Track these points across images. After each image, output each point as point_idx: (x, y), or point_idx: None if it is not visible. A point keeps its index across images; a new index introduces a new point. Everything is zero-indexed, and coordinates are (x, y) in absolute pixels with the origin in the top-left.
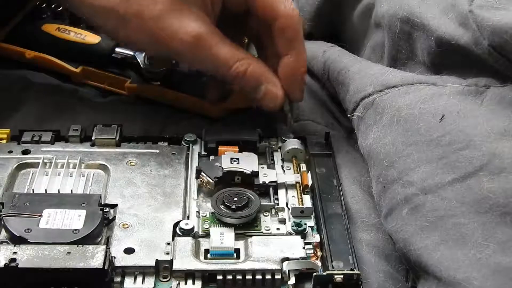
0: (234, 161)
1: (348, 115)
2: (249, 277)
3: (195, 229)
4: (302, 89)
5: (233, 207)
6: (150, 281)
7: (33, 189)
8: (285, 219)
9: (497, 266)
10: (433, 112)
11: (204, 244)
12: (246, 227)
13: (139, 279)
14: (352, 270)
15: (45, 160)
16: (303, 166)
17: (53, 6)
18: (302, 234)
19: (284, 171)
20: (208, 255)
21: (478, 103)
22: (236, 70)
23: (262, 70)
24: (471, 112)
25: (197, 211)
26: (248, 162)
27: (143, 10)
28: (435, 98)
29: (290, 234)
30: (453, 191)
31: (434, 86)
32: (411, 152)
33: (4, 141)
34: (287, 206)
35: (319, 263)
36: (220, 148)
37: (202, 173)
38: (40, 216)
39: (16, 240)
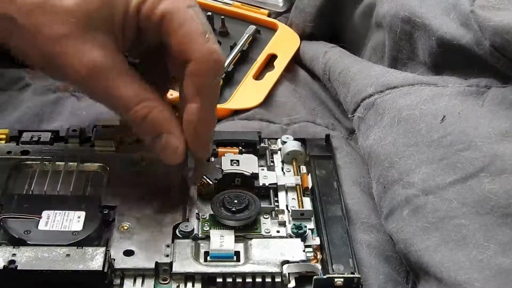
0: (234, 163)
1: (349, 116)
2: (249, 280)
3: (195, 231)
4: (204, 146)
5: (233, 209)
6: (149, 283)
7: (32, 190)
8: (285, 221)
9: (498, 267)
10: (434, 113)
11: (204, 246)
12: (246, 230)
13: (139, 281)
14: (352, 273)
15: (44, 161)
16: (303, 168)
17: None
18: (302, 236)
19: (284, 173)
20: (208, 258)
21: (479, 103)
22: (135, 114)
23: (165, 117)
24: (472, 113)
25: (197, 213)
26: (248, 164)
27: (42, 28)
28: (436, 99)
29: (290, 236)
30: (454, 192)
31: (435, 87)
32: (412, 153)
33: (3, 142)
34: (287, 208)
35: (319, 266)
36: (220, 149)
37: None
38: (39, 217)
39: (15, 241)
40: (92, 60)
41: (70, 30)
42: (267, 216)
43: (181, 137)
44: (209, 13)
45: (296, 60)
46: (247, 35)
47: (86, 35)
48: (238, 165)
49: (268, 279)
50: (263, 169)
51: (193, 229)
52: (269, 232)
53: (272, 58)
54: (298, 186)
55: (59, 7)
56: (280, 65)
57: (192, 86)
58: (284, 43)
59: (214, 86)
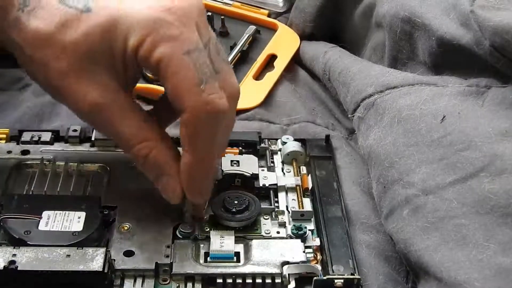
0: (234, 163)
1: (349, 116)
2: (249, 280)
3: (195, 232)
4: (199, 191)
5: (233, 210)
6: (149, 284)
7: (32, 190)
8: (285, 222)
9: (498, 267)
10: (434, 113)
11: (204, 247)
12: (246, 230)
13: (139, 282)
14: (352, 274)
15: (45, 161)
16: (303, 169)
17: None
18: (302, 237)
19: (284, 173)
20: (208, 259)
21: (479, 103)
22: (136, 152)
23: (165, 158)
24: (472, 112)
25: None
26: (248, 165)
27: (48, 61)
28: (436, 99)
29: (290, 237)
30: (454, 192)
31: (435, 87)
32: (412, 152)
33: (3, 141)
34: (287, 209)
35: (319, 267)
36: None
37: None
38: (40, 218)
39: (16, 242)
40: (93, 98)
41: (74, 65)
42: (267, 217)
43: (177, 182)
44: (209, 13)
45: (296, 60)
46: (247, 35)
47: (88, 70)
48: (238, 165)
49: (268, 280)
50: (263, 170)
51: (193, 230)
52: (269, 233)
53: (272, 58)
54: (298, 187)
55: (64, 42)
56: (280, 65)
57: (185, 136)
58: (284, 43)
59: (210, 136)
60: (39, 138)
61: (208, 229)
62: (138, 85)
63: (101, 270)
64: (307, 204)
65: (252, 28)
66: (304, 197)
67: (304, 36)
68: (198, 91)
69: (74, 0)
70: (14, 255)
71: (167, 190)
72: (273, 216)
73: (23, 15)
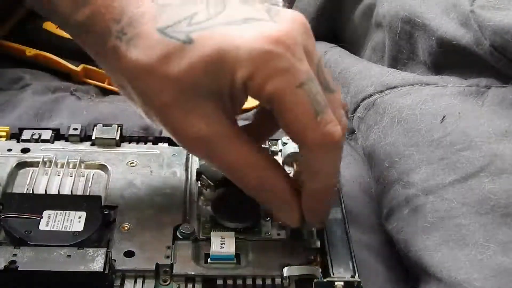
0: None
1: (349, 116)
2: (249, 282)
3: (196, 233)
4: (321, 218)
5: (234, 211)
6: (150, 284)
7: (32, 189)
8: None
9: (498, 267)
10: (434, 113)
11: (205, 248)
12: (247, 232)
13: (139, 282)
14: (352, 277)
15: (45, 159)
16: None
17: None
18: (303, 239)
19: None
20: (208, 260)
21: (479, 103)
22: (247, 184)
23: (278, 187)
24: (472, 112)
25: (197, 215)
26: None
27: (149, 93)
28: (436, 99)
29: (291, 239)
30: (454, 192)
31: (435, 87)
32: (412, 152)
33: (4, 139)
34: None
35: (319, 269)
36: None
37: (202, 175)
38: (40, 217)
39: (16, 241)
40: (198, 131)
41: (178, 98)
42: (268, 219)
43: (295, 207)
44: None
45: None
46: None
47: (193, 103)
48: None
49: (268, 282)
50: None
51: (194, 230)
52: (269, 235)
53: None
54: None
55: (167, 74)
56: None
57: (307, 169)
58: None
59: (332, 165)
60: (40, 136)
61: (208, 230)
62: None
63: (102, 270)
64: None
65: None
66: None
67: None
68: (316, 124)
69: (175, 31)
70: (15, 255)
71: (288, 218)
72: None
73: (121, 44)
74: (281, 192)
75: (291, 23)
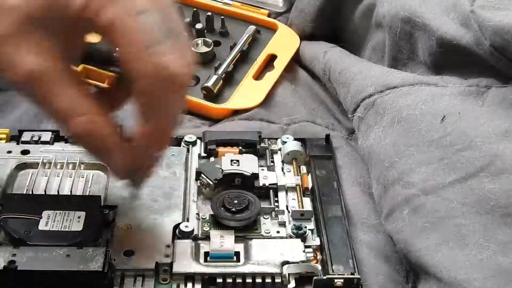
0: (234, 163)
1: (349, 116)
2: (249, 280)
3: (195, 232)
4: (150, 165)
5: (233, 209)
6: (149, 283)
7: (32, 190)
8: (285, 222)
9: (498, 267)
10: (434, 113)
11: (204, 246)
12: (246, 230)
13: (139, 281)
14: (352, 274)
15: (45, 161)
16: (303, 168)
17: None
18: (302, 237)
19: (284, 173)
20: (208, 258)
21: (479, 103)
22: (75, 127)
23: (104, 133)
24: (472, 112)
25: (197, 214)
26: (248, 164)
27: None
28: (436, 99)
29: (290, 237)
30: (454, 192)
31: (435, 87)
32: (412, 152)
33: (3, 141)
34: (287, 208)
35: (319, 266)
36: (220, 149)
37: (202, 175)
38: (40, 217)
39: (16, 241)
40: (31, 65)
41: (12, 30)
42: (267, 217)
43: (121, 156)
44: (209, 13)
45: (296, 60)
46: (247, 35)
47: (28, 36)
48: (238, 165)
49: (268, 280)
50: (263, 169)
51: (193, 229)
52: (269, 233)
53: (272, 58)
54: (298, 186)
55: (3, 4)
56: (280, 65)
57: (139, 106)
58: (284, 43)
59: (168, 102)
60: (39, 138)
61: (208, 229)
62: None
63: (101, 270)
64: (307, 204)
65: (252, 28)
66: (304, 196)
67: (304, 36)
68: (147, 54)
69: None
70: (14, 255)
71: (110, 166)
72: (273, 216)
73: None
74: (108, 139)
75: None
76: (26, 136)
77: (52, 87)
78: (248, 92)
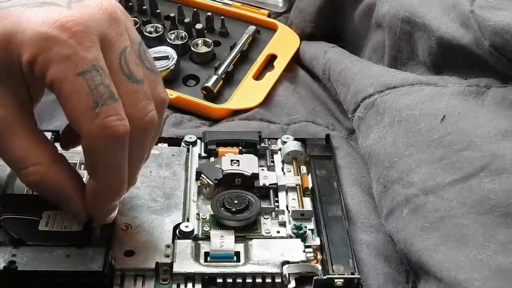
0: (234, 163)
1: (349, 116)
2: (249, 280)
3: (195, 232)
4: (104, 217)
5: (233, 209)
6: (150, 284)
7: (32, 190)
8: (285, 222)
9: (498, 267)
10: (434, 113)
11: (204, 247)
12: (246, 230)
13: (139, 282)
14: (352, 274)
15: None
16: (304, 168)
17: None
18: (302, 237)
19: (284, 173)
20: (208, 258)
21: (479, 103)
22: (25, 176)
23: (60, 182)
24: (472, 112)
25: (197, 214)
26: (248, 164)
27: None
28: (436, 99)
29: (290, 237)
30: (454, 192)
31: (435, 87)
32: (412, 152)
33: None
34: (287, 208)
35: (319, 266)
36: (220, 149)
37: (202, 175)
38: (40, 218)
39: (16, 242)
40: None
41: None
42: (267, 217)
43: (79, 203)
44: (209, 14)
45: (296, 60)
46: (247, 35)
47: None
48: (238, 165)
49: (268, 280)
50: (263, 169)
51: (193, 229)
52: (269, 233)
53: (272, 58)
54: (298, 186)
55: None
56: (280, 65)
57: (87, 161)
58: (284, 43)
59: (113, 161)
60: None
61: (208, 229)
62: None
63: (101, 270)
64: (307, 204)
65: (252, 28)
66: (304, 196)
67: (304, 36)
68: (93, 115)
69: None
70: (14, 255)
71: (69, 213)
72: (273, 216)
73: None
74: (63, 188)
75: (91, 10)
76: None
77: (4, 137)
78: (248, 92)
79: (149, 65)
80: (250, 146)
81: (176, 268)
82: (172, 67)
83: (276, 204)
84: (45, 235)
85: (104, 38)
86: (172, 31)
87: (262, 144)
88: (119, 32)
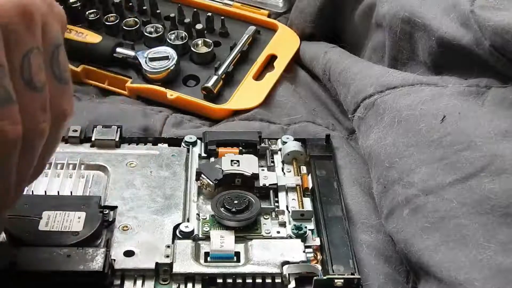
0: (235, 163)
1: (349, 116)
2: (249, 280)
3: (195, 232)
4: None
5: (233, 210)
6: (150, 284)
7: (32, 190)
8: (285, 222)
9: (498, 267)
10: (434, 113)
11: (204, 247)
12: (246, 230)
13: (139, 282)
14: (352, 274)
15: None
16: (304, 169)
17: None
18: (302, 237)
19: (284, 173)
20: (208, 258)
21: (479, 103)
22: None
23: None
24: (472, 112)
25: (197, 214)
26: (248, 164)
27: None
28: (436, 99)
29: (290, 237)
30: (454, 192)
31: (435, 87)
32: (412, 152)
33: None
34: (287, 209)
35: (319, 267)
36: (221, 150)
37: (202, 175)
38: (40, 218)
39: (16, 242)
40: None
41: None
42: (267, 217)
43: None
44: (209, 14)
45: (296, 60)
46: (247, 35)
47: None
48: (239, 165)
49: (268, 280)
50: (263, 170)
51: (193, 229)
52: (269, 233)
53: (272, 58)
54: (298, 187)
55: None
56: (280, 65)
57: None
58: (284, 43)
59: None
60: None
61: (208, 229)
62: (138, 85)
63: (101, 270)
64: (307, 204)
65: (252, 28)
66: (304, 196)
67: (304, 37)
68: None
69: None
70: (15, 255)
71: None
72: (273, 216)
73: None
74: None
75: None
76: None
77: None
78: (248, 92)
79: (58, 73)
80: (250, 146)
81: (176, 268)
82: (172, 67)
83: (276, 204)
84: (45, 235)
85: (10, 32)
86: (172, 32)
87: (262, 144)
88: (30, 29)
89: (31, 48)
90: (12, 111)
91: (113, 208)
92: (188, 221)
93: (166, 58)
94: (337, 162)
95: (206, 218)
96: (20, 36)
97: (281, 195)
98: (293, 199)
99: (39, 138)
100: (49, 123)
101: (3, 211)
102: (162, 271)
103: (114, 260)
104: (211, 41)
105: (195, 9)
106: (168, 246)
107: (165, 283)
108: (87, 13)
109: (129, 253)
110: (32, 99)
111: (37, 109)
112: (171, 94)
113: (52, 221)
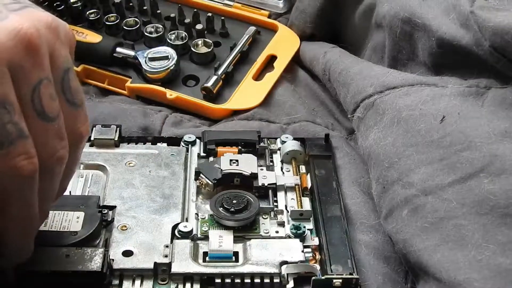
0: (234, 162)
1: (349, 116)
2: (247, 280)
3: (194, 232)
4: (17, 253)
5: (232, 209)
6: (148, 284)
7: None
8: (284, 222)
9: (497, 267)
10: (434, 113)
11: (203, 247)
12: (245, 230)
13: (137, 282)
14: (351, 274)
15: None
16: (303, 168)
17: (54, 4)
18: (301, 237)
19: (283, 173)
20: (207, 258)
21: (479, 104)
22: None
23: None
24: (472, 113)
25: (196, 213)
26: (247, 164)
27: None
28: (435, 99)
29: (289, 237)
30: (454, 192)
31: (435, 87)
32: (412, 153)
33: None
34: (286, 208)
35: (318, 266)
36: (220, 149)
37: (201, 174)
38: None
39: None
40: None
41: None
42: (266, 217)
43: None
44: (210, 14)
45: (296, 61)
46: (247, 36)
47: None
48: (238, 165)
49: (267, 280)
50: (262, 169)
51: (192, 229)
52: (268, 233)
53: (272, 59)
54: (297, 186)
55: None
56: (279, 66)
57: None
58: (284, 44)
59: (21, 200)
60: None
61: (207, 229)
62: (138, 85)
63: (100, 270)
64: (306, 204)
65: (252, 29)
66: (303, 196)
67: (305, 37)
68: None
69: None
70: None
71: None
72: (272, 216)
73: None
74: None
75: (2, 37)
76: None
77: None
78: (247, 92)
79: (70, 98)
80: (249, 145)
81: (175, 268)
82: (172, 67)
83: (275, 204)
84: (44, 235)
85: (16, 68)
86: (173, 32)
87: (261, 144)
88: (36, 62)
89: (40, 80)
90: (25, 146)
91: (112, 207)
92: (186, 220)
93: (166, 58)
94: (337, 162)
95: (205, 218)
96: (28, 70)
97: (280, 194)
98: (292, 199)
99: (58, 165)
100: (67, 149)
101: (34, 235)
102: (160, 271)
103: (113, 260)
104: (211, 41)
105: (195, 9)
106: (167, 246)
107: (164, 283)
108: (87, 13)
109: (127, 253)
110: (46, 129)
111: (53, 138)
112: (171, 94)
113: (51, 220)
